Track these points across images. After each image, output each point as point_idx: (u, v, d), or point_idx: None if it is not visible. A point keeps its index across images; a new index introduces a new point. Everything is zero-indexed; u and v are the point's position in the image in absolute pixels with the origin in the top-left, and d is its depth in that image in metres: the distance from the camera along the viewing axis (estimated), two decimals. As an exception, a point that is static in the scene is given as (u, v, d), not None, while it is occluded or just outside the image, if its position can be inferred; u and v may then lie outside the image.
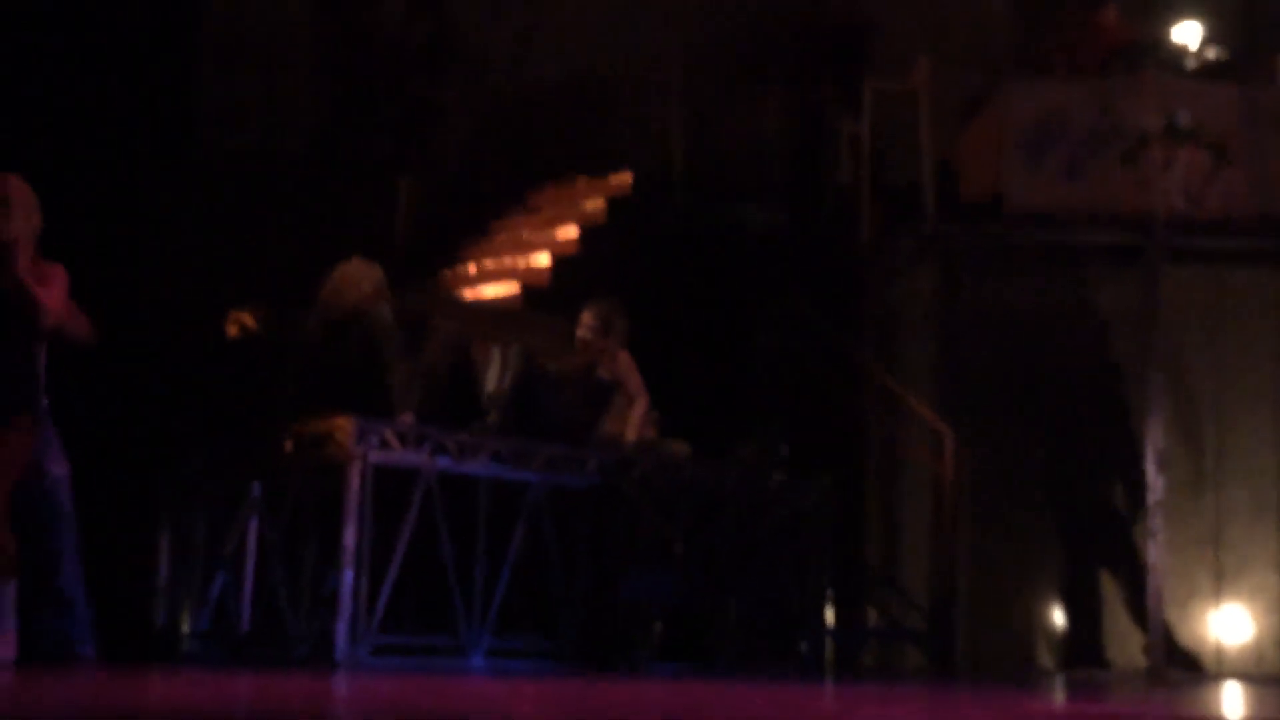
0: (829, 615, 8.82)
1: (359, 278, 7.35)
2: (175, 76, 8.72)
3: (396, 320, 7.50)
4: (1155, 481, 9.04)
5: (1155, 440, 9.06)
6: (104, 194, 7.95)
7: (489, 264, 9.79)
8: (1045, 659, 9.35)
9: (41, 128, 7.71)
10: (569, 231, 9.89)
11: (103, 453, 6.74)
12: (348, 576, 6.71)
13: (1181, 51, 10.59)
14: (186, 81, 8.92)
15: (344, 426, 6.81)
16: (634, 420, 8.09)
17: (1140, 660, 9.03)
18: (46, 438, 6.08)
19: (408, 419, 7.08)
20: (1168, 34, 10.83)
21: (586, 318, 8.12)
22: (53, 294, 5.89)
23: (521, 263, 9.72)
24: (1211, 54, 10.56)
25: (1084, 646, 9.35)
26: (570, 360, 8.13)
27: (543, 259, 9.65)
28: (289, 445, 7.00)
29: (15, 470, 5.75)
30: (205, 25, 9.44)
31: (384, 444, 6.92)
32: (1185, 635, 9.30)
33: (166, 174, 8.51)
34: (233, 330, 7.63)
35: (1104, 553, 9.41)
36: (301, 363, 7.30)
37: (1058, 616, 9.44)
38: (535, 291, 9.38)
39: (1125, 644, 9.27)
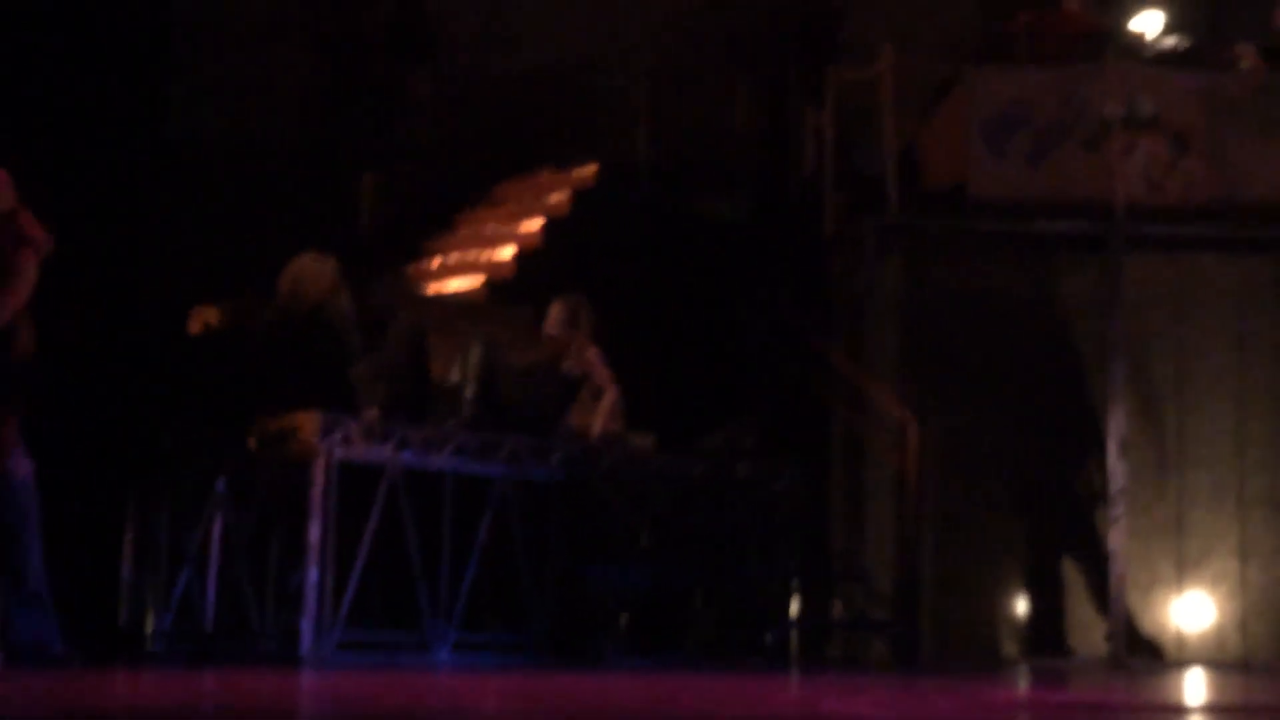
0: (794, 606, 8.85)
1: (315, 272, 7.33)
2: (145, 63, 8.67)
3: (359, 315, 7.50)
4: (1117, 468, 9.09)
5: (1117, 427, 9.11)
6: (67, 183, 7.90)
7: (454, 258, 9.78)
8: (1008, 647, 9.40)
9: (18, 125, 7.67)
10: (533, 224, 9.88)
11: (64, 449, 6.71)
12: (312, 573, 6.72)
13: (1143, 40, 10.64)
14: (156, 68, 8.86)
15: (308, 422, 6.82)
16: (602, 412, 8.10)
17: (1103, 648, 9.09)
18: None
19: (372, 414, 7.08)
20: (1129, 22, 10.89)
21: (554, 312, 8.14)
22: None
23: (486, 256, 9.71)
24: (1172, 42, 10.60)
25: (1047, 635, 9.40)
26: (537, 353, 8.14)
27: (507, 252, 9.65)
28: (253, 441, 7.00)
29: None
30: (176, 13, 9.38)
31: (348, 440, 6.93)
32: (1147, 622, 9.35)
33: (131, 162, 8.47)
34: (196, 326, 7.61)
35: (1067, 540, 9.45)
36: (261, 357, 7.29)
37: (1021, 605, 9.49)
38: (500, 285, 9.39)
39: (1088, 632, 9.32)
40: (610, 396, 8.13)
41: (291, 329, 7.25)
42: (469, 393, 7.73)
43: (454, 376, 7.88)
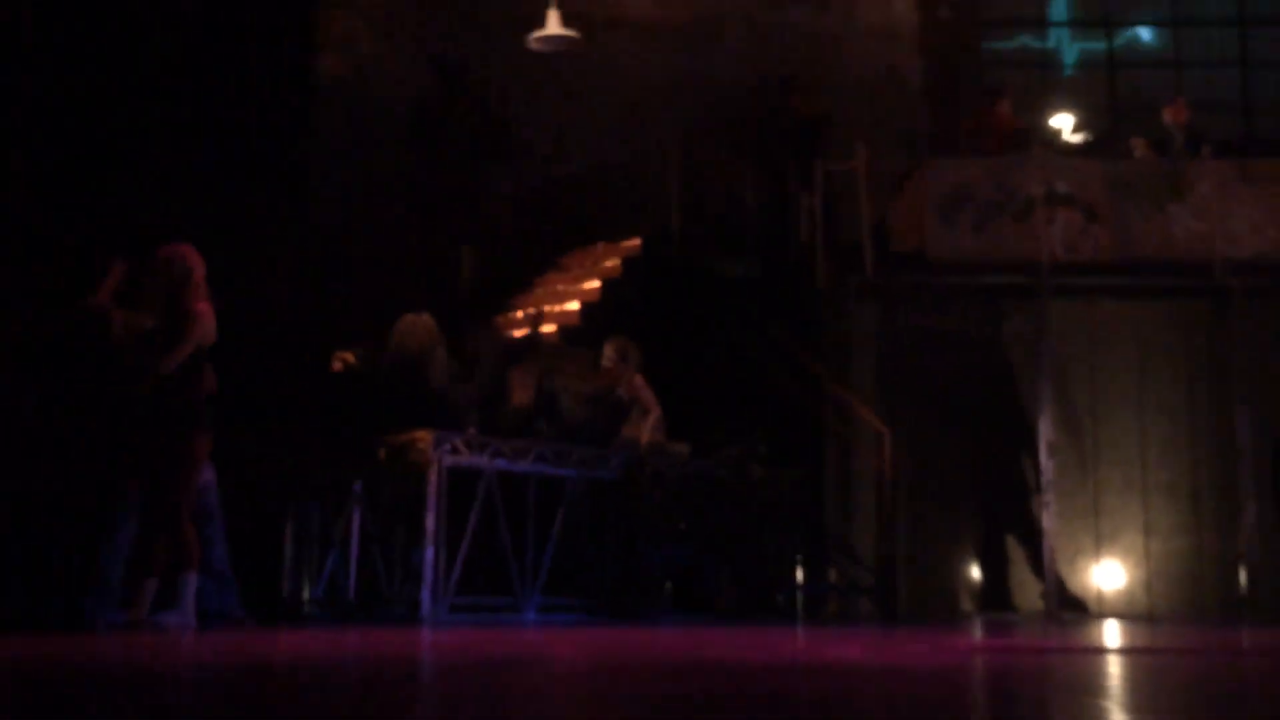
0: (799, 575, 8.84)
1: (415, 327, 7.39)
2: (294, 167, 8.78)
3: (462, 355, 7.55)
4: (1047, 465, 9.07)
5: (1046, 433, 9.10)
6: (240, 260, 8.00)
7: (532, 311, 9.82)
8: (966, 605, 9.36)
9: (203, 215, 7.77)
10: (593, 284, 9.92)
11: (242, 460, 6.78)
12: (429, 553, 6.76)
13: (1059, 135, 10.64)
14: (302, 171, 8.97)
15: (424, 438, 6.87)
16: (648, 427, 8.12)
17: (1039, 604, 9.05)
18: None
19: (471, 431, 7.13)
20: (1048, 120, 10.89)
21: (608, 350, 8.17)
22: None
23: (557, 309, 9.76)
24: (1081, 137, 10.60)
25: (995, 594, 9.36)
26: (595, 382, 8.18)
27: (573, 306, 9.69)
28: (383, 453, 7.05)
29: (197, 478, 5.80)
30: (318, 125, 9.48)
31: (454, 450, 6.97)
32: (1073, 584, 9.30)
33: (286, 244, 8.56)
34: (337, 366, 7.68)
35: (1009, 521, 9.42)
36: (386, 389, 7.34)
37: (975, 572, 9.45)
38: (569, 330, 9.43)
39: (1027, 592, 9.28)
40: (654, 415, 8.15)
41: (405, 369, 7.31)
42: (541, 415, 7.78)
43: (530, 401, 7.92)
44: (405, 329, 7.42)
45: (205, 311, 5.81)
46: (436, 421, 6.98)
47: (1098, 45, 12.25)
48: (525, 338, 8.39)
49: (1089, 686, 3.09)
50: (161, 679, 3.14)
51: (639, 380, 8.17)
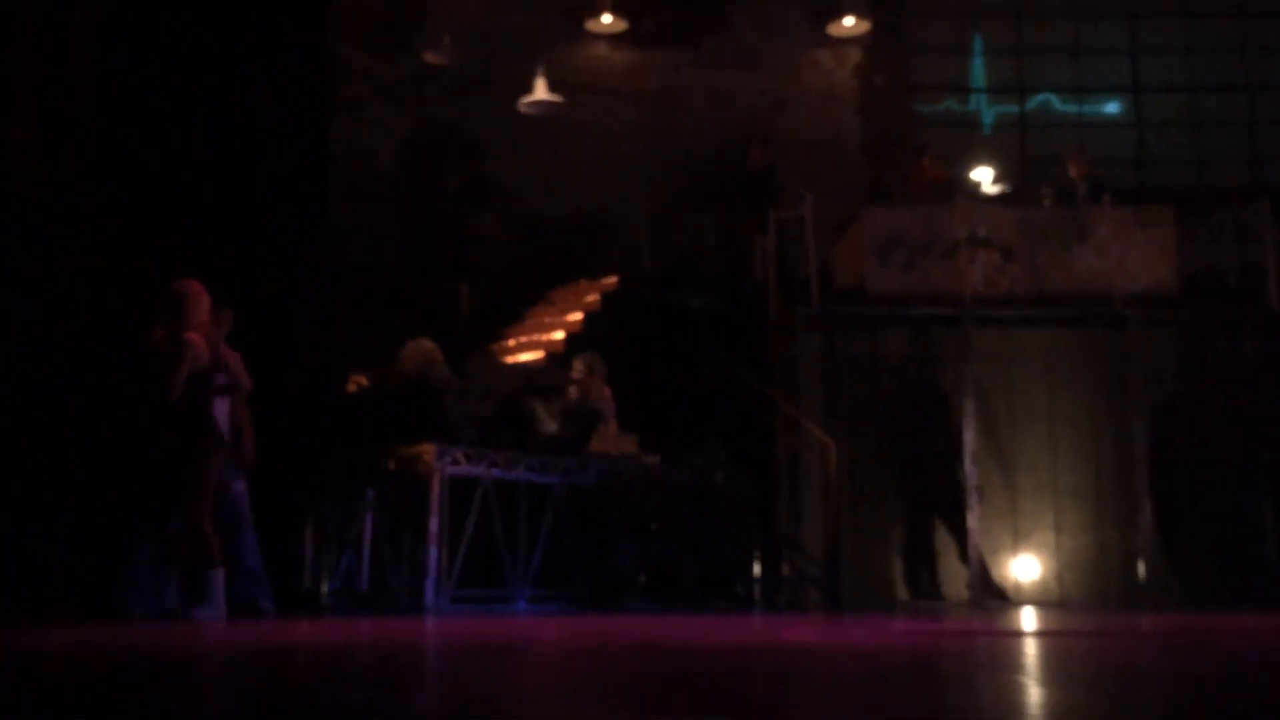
0: (756, 568, 8.84)
1: (419, 351, 7.39)
2: (311, 214, 8.76)
3: (460, 377, 7.54)
4: (971, 471, 9.11)
5: (970, 444, 9.15)
6: (263, 297, 7.99)
7: (522, 339, 9.82)
8: (901, 593, 9.38)
9: (236, 259, 7.76)
10: (576, 316, 9.93)
11: (268, 471, 6.75)
12: (433, 551, 6.75)
13: (979, 186, 10.73)
14: (318, 218, 8.95)
15: (429, 450, 6.86)
16: (609, 435, 8.05)
17: (965, 593, 9.08)
18: (231, 464, 6.11)
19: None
20: (969, 174, 10.99)
21: (577, 364, 8.07)
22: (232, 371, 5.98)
23: (544, 337, 9.75)
24: (998, 188, 10.69)
25: (927, 585, 9.38)
26: (569, 396, 8.10)
27: (558, 335, 9.69)
28: (392, 464, 7.04)
29: (211, 488, 5.78)
30: (332, 176, 9.47)
31: (455, 461, 6.96)
32: (995, 575, 9.33)
33: (303, 282, 8.54)
34: (352, 387, 7.66)
35: (939, 521, 9.45)
36: (394, 408, 7.32)
37: (908, 565, 9.47)
38: (554, 356, 9.42)
39: (954, 582, 9.29)
40: (611, 424, 8.09)
41: (411, 389, 7.30)
42: (522, 429, 7.77)
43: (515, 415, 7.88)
44: (410, 352, 7.42)
45: (193, 341, 5.78)
46: (439, 436, 6.97)
47: (1012, 108, 12.41)
48: (519, 363, 8.36)
49: (1009, 664, 3.11)
50: (196, 660, 3.13)
51: (606, 392, 8.13)
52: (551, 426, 7.78)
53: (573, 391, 8.05)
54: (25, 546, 6.59)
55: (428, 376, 7.26)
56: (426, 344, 7.41)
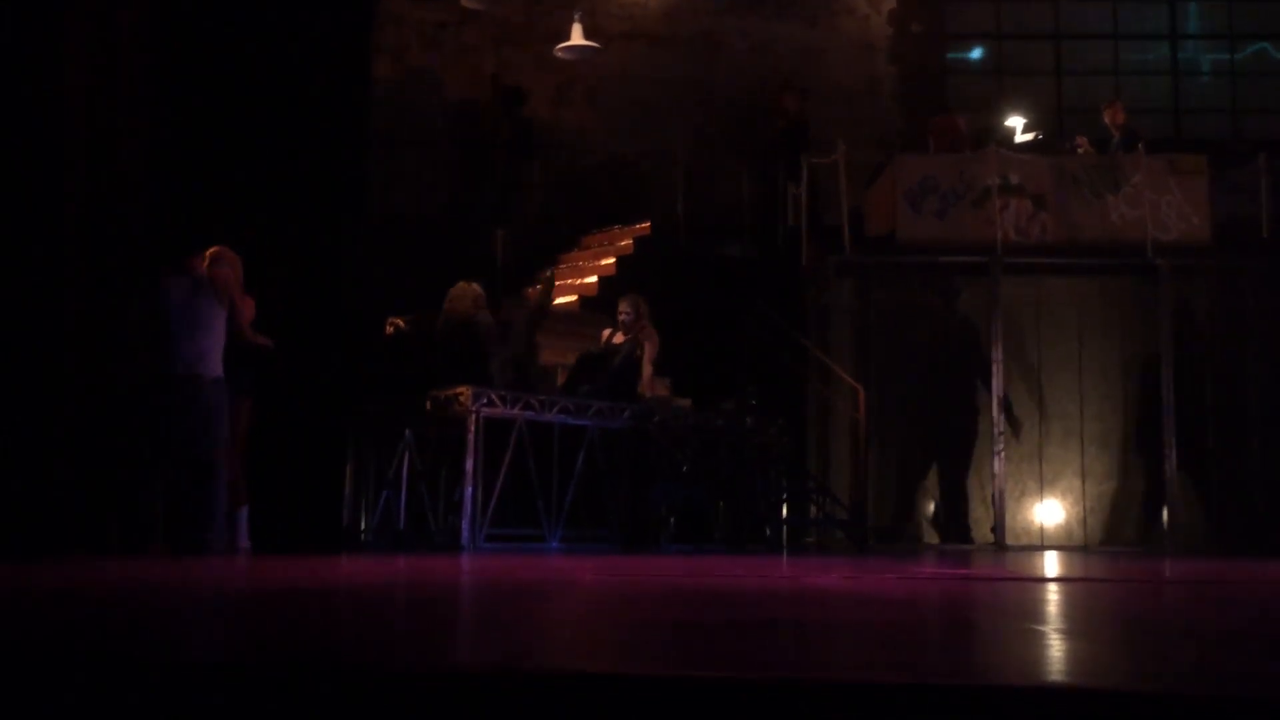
0: (784, 510, 8.81)
1: (465, 294, 7.34)
2: (353, 160, 8.69)
3: (497, 321, 7.50)
4: (999, 418, 9.01)
5: (998, 390, 9.04)
6: (308, 244, 7.95)
7: (558, 283, 9.76)
8: (928, 537, 9.34)
9: (278, 206, 7.72)
10: (609, 261, 9.86)
11: (310, 411, 6.76)
12: (468, 491, 6.74)
13: (1012, 133, 10.51)
14: (360, 163, 8.89)
15: (465, 392, 6.84)
16: (647, 377, 7.89)
17: (990, 537, 9.02)
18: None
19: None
20: (1003, 122, 10.75)
21: (623, 305, 7.92)
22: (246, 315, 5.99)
23: (578, 282, 9.70)
24: (1031, 135, 10.46)
25: (954, 529, 9.33)
26: (618, 338, 8.01)
27: (592, 279, 9.63)
28: (429, 405, 7.03)
29: (245, 435, 5.80)
30: (374, 124, 9.39)
31: (490, 403, 6.94)
32: (1020, 521, 9.27)
33: (346, 230, 8.49)
34: (389, 330, 7.64)
35: (966, 466, 9.38)
36: (433, 351, 7.31)
37: (936, 509, 9.41)
38: (588, 299, 9.38)
39: (981, 527, 9.24)
40: (648, 369, 7.84)
41: (450, 332, 7.27)
42: (563, 372, 7.72)
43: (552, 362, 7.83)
44: (455, 295, 7.36)
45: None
46: (474, 378, 6.94)
47: (1047, 56, 12.09)
48: (539, 300, 8.19)
49: (1037, 614, 3.05)
50: (236, 596, 3.13)
51: (651, 331, 8.01)
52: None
53: (606, 335, 7.98)
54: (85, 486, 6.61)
55: (475, 319, 7.21)
56: (475, 287, 7.35)
